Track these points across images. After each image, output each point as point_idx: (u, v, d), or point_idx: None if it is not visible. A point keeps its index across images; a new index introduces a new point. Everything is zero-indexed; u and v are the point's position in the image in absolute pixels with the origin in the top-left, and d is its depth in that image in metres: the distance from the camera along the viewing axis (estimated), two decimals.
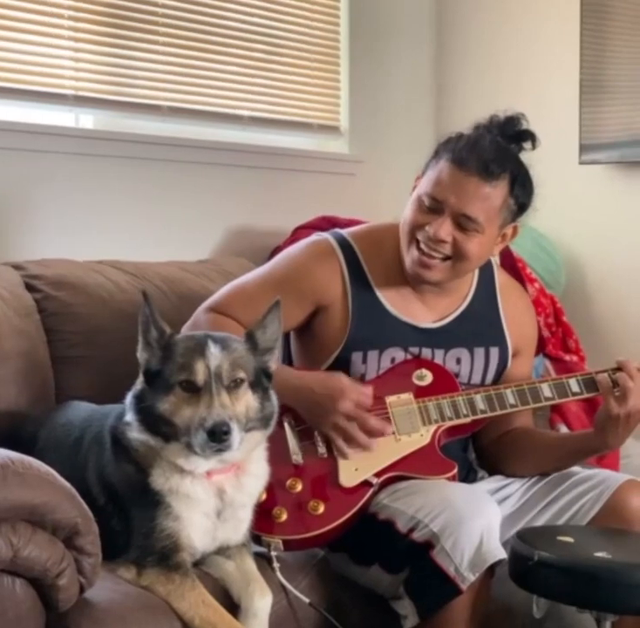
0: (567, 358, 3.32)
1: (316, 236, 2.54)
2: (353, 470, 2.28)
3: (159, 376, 1.99)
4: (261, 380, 2.05)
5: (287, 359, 2.54)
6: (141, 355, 2.03)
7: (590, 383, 2.38)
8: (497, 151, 2.34)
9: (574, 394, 2.40)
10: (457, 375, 2.45)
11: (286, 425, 2.32)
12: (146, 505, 2.00)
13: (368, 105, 3.84)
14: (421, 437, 2.33)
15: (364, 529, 2.25)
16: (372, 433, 2.28)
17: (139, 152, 3.15)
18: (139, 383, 2.05)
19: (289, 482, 2.27)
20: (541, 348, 3.17)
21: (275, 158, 3.53)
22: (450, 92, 4.05)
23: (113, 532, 1.99)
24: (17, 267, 2.66)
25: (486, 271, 2.55)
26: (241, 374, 2.00)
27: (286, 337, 2.53)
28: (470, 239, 2.34)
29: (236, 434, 1.93)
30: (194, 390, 1.96)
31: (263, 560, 2.17)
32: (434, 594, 2.12)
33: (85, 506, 1.85)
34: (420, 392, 2.38)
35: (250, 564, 2.10)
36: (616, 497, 2.30)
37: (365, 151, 3.82)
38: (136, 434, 2.03)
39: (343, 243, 2.47)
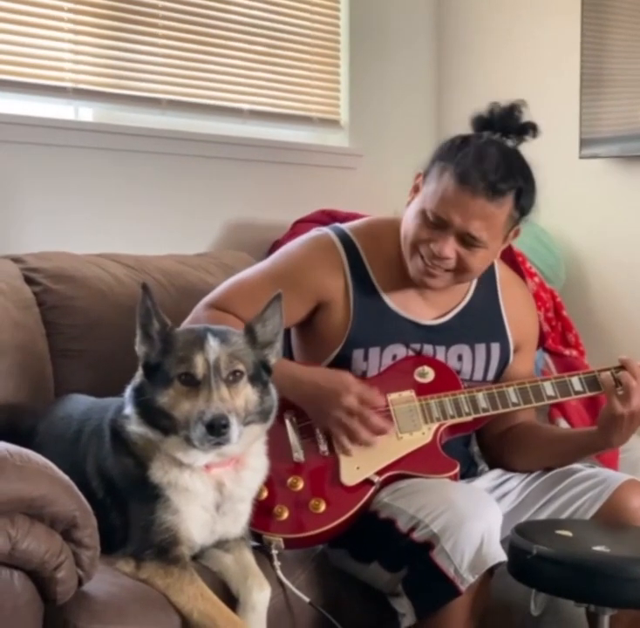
0: (566, 352, 3.31)
1: (316, 231, 2.52)
2: (355, 468, 2.27)
3: (158, 369, 1.99)
4: (260, 374, 2.04)
5: (287, 355, 2.51)
6: (140, 348, 2.03)
7: (593, 382, 2.37)
8: (503, 165, 2.27)
9: (576, 393, 2.39)
10: (459, 372, 2.44)
11: (287, 422, 2.31)
12: (144, 498, 2.00)
13: (368, 98, 3.83)
14: (423, 435, 2.32)
15: (364, 526, 2.24)
16: (375, 431, 2.26)
17: (139, 145, 3.15)
18: (139, 376, 2.04)
19: (290, 480, 2.26)
20: (540, 342, 3.16)
21: (274, 151, 3.53)
22: (450, 86, 4.05)
23: (112, 525, 1.99)
24: (16, 260, 2.66)
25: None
26: (240, 367, 1.99)
27: (287, 332, 2.50)
28: (474, 254, 2.32)
29: (235, 428, 1.93)
30: (193, 383, 1.96)
31: (262, 554, 2.17)
32: (433, 594, 2.11)
33: (83, 499, 1.84)
34: (422, 390, 2.37)
35: (249, 558, 2.10)
36: (616, 497, 2.28)
37: (365, 145, 3.81)
38: (135, 427, 2.02)
39: (345, 239, 2.45)
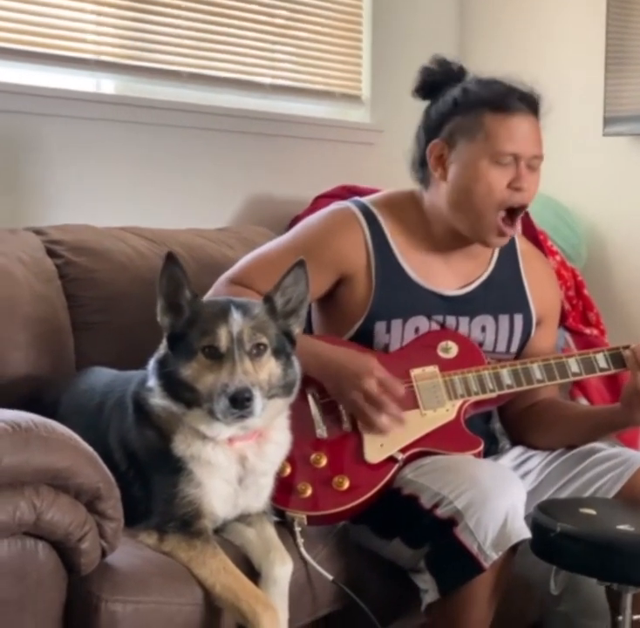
0: (587, 331, 3.29)
1: (336, 205, 2.50)
2: (378, 446, 2.26)
3: (182, 340, 1.98)
4: (284, 346, 2.03)
5: (308, 330, 2.50)
6: (162, 319, 2.01)
7: (618, 358, 2.36)
8: (509, 82, 2.38)
9: (601, 370, 2.38)
10: (482, 344, 2.43)
11: (310, 397, 2.30)
12: (167, 471, 1.99)
13: (390, 74, 3.80)
14: (447, 412, 2.31)
15: (386, 503, 2.23)
16: (391, 418, 2.24)
17: (160, 118, 3.13)
18: (163, 348, 2.03)
19: (313, 457, 2.25)
20: (561, 321, 3.15)
21: (295, 126, 3.51)
22: (473, 62, 3.90)
23: (135, 498, 1.98)
24: (38, 232, 2.65)
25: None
26: (264, 340, 1.98)
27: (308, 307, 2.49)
28: (536, 175, 2.37)
29: (258, 401, 1.92)
30: (216, 356, 1.95)
31: (284, 529, 2.16)
32: (456, 571, 2.10)
33: (107, 471, 1.84)
34: (445, 365, 2.35)
35: (271, 532, 2.09)
36: (638, 477, 2.28)
37: (386, 120, 3.78)
38: (158, 400, 2.01)
39: (366, 211, 2.44)
